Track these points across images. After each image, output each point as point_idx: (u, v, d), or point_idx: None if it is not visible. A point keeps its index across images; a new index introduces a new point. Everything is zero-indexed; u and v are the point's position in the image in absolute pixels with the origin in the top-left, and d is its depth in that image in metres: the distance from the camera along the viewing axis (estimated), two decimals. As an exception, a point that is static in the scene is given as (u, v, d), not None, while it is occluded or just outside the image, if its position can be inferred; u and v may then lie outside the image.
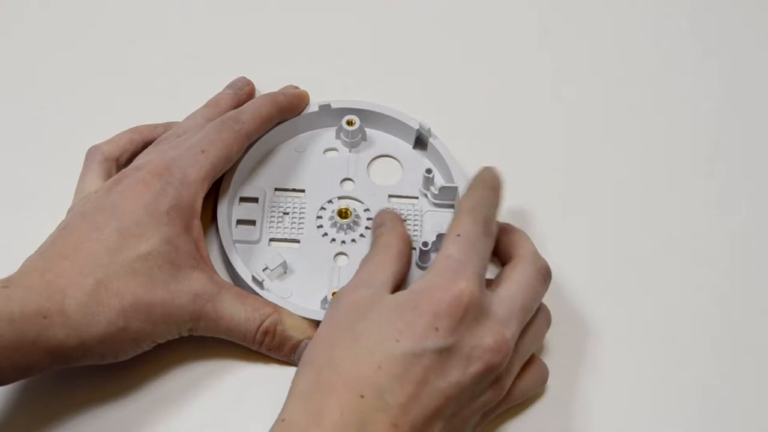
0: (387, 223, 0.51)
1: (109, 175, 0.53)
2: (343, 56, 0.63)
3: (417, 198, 0.56)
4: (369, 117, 0.58)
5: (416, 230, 0.55)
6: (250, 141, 0.55)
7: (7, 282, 0.46)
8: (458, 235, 0.47)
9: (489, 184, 0.50)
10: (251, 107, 0.55)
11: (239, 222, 0.55)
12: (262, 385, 0.51)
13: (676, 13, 0.65)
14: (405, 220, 0.55)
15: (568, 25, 0.64)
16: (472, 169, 0.56)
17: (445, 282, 0.45)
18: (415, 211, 0.56)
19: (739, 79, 0.62)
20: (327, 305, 0.52)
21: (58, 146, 0.58)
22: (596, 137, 0.60)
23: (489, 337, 0.45)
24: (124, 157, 0.54)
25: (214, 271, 0.51)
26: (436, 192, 0.55)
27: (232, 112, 0.54)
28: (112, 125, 0.55)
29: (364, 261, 0.50)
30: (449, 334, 0.44)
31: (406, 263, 0.50)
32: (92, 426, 0.50)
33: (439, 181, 0.56)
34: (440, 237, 0.53)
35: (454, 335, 0.44)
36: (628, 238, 0.57)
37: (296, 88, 0.59)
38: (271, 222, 0.55)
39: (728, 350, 0.53)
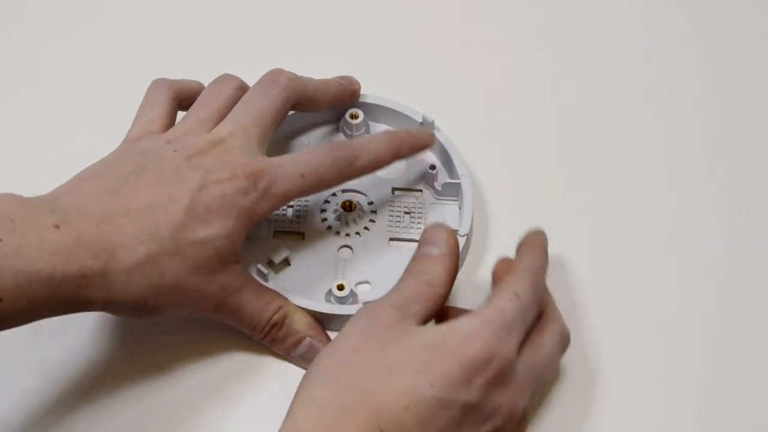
0: (443, 247, 0.49)
1: (172, 117, 0.52)
2: (347, 51, 0.63)
3: (420, 191, 0.56)
4: (373, 110, 0.58)
5: (420, 223, 0.55)
6: (356, 177, 0.53)
7: (61, 217, 0.44)
8: (516, 294, 0.46)
9: (542, 249, 0.50)
10: (370, 148, 0.52)
11: None
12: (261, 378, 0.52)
13: (676, 13, 0.65)
14: (409, 213, 0.55)
15: (568, 25, 0.64)
16: (474, 165, 0.57)
17: (492, 337, 0.44)
18: (419, 203, 0.56)
19: (739, 79, 0.62)
20: (331, 298, 0.52)
21: (59, 147, 0.58)
22: (596, 137, 0.60)
23: (507, 404, 0.44)
24: (186, 103, 0.53)
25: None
26: (440, 188, 0.55)
27: (351, 147, 0.52)
28: (113, 125, 0.55)
29: (403, 282, 0.48)
30: (480, 391, 0.43)
31: (443, 305, 0.48)
32: (90, 424, 0.50)
33: (443, 175, 0.56)
34: None
35: (482, 393, 0.43)
36: (628, 238, 0.57)
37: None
38: (275, 215, 0.55)
39: (728, 350, 0.53)
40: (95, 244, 0.45)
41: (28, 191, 0.57)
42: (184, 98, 0.53)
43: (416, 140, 0.54)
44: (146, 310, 0.47)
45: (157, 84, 0.53)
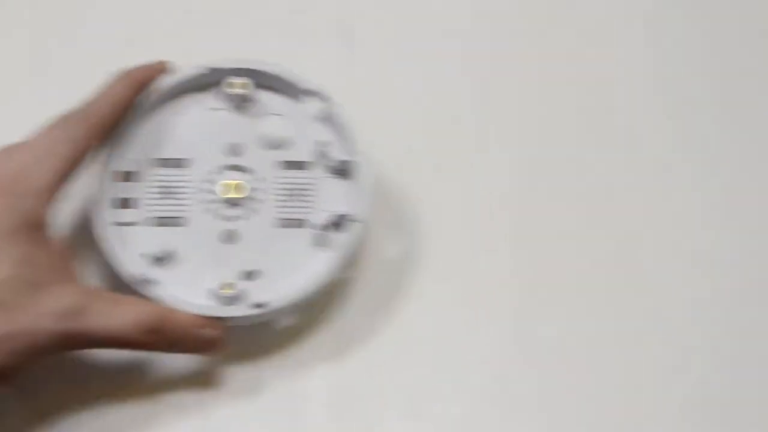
0: None
1: None
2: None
3: (312, 162, 0.52)
4: (260, 78, 0.53)
5: (311, 202, 0.52)
6: (105, 129, 0.51)
7: None
8: None
9: None
10: (102, 92, 0.51)
11: (115, 202, 0.51)
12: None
13: (676, 13, 0.65)
14: (299, 191, 0.52)
15: (568, 25, 0.64)
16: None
17: None
18: (309, 179, 0.52)
19: (739, 80, 0.62)
20: (214, 299, 0.50)
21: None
22: (596, 137, 0.60)
23: None
24: None
25: (82, 281, 0.49)
26: (332, 164, 0.52)
27: (84, 103, 0.51)
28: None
29: None
30: None
31: None
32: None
33: (336, 153, 0.52)
34: (339, 217, 0.51)
35: None
36: (627, 238, 0.57)
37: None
38: (150, 200, 0.52)
39: (728, 351, 0.54)
40: None
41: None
42: None
43: (148, 68, 0.53)
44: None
45: None
